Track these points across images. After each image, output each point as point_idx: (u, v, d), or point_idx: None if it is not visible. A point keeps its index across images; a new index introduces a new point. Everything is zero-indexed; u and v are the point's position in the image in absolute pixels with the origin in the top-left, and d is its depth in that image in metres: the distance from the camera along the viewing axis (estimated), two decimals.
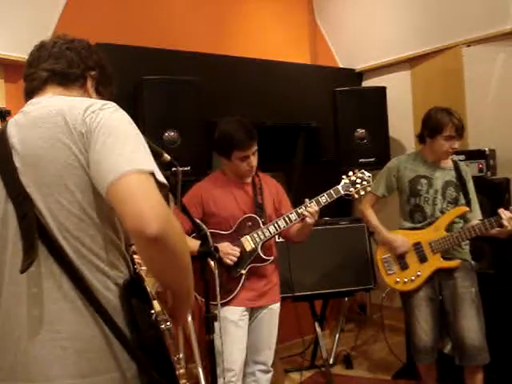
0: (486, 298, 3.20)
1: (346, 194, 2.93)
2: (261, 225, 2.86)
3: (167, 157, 1.56)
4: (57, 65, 1.50)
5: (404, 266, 3.23)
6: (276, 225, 2.85)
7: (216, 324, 1.95)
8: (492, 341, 3.10)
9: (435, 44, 4.36)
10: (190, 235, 2.68)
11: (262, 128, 3.89)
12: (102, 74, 1.60)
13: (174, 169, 1.51)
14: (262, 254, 2.85)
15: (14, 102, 3.10)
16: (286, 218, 2.85)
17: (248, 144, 2.78)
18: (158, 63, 3.70)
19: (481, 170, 3.69)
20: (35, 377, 1.31)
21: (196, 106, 3.55)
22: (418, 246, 3.20)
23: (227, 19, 4.57)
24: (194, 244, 2.04)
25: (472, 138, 4.04)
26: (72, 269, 1.32)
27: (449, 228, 3.15)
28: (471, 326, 3.06)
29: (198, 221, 1.97)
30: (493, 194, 3.56)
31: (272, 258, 2.90)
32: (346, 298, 4.57)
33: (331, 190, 2.90)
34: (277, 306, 2.99)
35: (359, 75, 5.08)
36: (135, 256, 1.48)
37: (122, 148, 1.28)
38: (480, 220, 3.14)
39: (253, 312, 2.93)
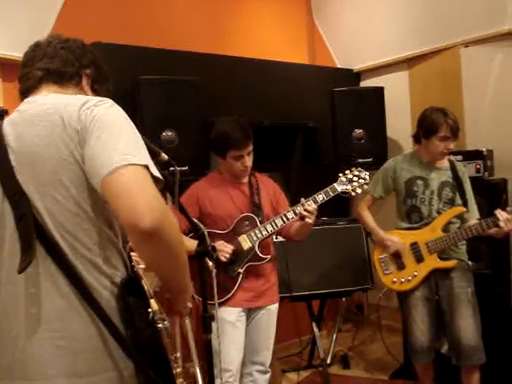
0: (482, 298, 3.20)
1: (342, 192, 2.91)
2: (258, 224, 2.86)
3: (165, 156, 1.56)
4: (51, 64, 1.50)
5: (401, 266, 3.23)
6: (273, 223, 2.84)
7: (213, 324, 1.95)
8: (488, 341, 3.11)
9: (433, 44, 4.37)
10: (187, 235, 2.68)
11: (260, 128, 3.90)
12: (98, 72, 1.60)
13: (171, 168, 1.51)
14: (259, 253, 2.85)
15: (11, 102, 3.10)
16: (283, 217, 2.84)
17: (243, 143, 2.79)
18: (156, 63, 3.70)
19: (478, 171, 3.69)
20: (33, 375, 1.31)
21: (194, 106, 3.55)
22: (414, 246, 3.20)
23: (226, 19, 4.57)
24: (191, 244, 2.04)
25: (470, 138, 4.05)
26: (69, 268, 1.32)
27: (445, 228, 3.15)
28: (467, 325, 3.06)
29: (196, 220, 1.97)
30: (490, 194, 3.56)
31: (269, 256, 2.90)
32: (344, 298, 4.58)
33: (328, 188, 2.89)
34: (275, 307, 2.99)
35: (357, 75, 5.08)
36: (132, 254, 1.48)
37: (117, 143, 1.29)
38: (477, 220, 3.14)
39: (250, 312, 2.93)
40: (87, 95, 1.53)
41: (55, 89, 1.50)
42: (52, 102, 1.39)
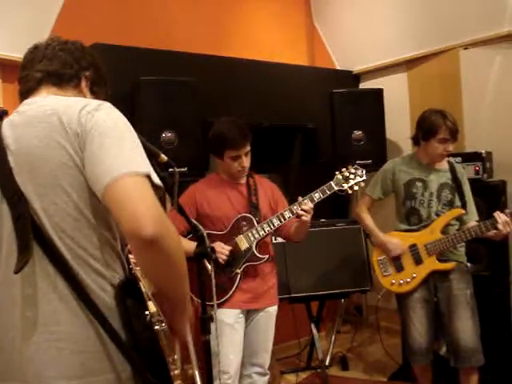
0: (481, 299, 3.20)
1: (339, 190, 2.90)
2: (255, 224, 2.86)
3: (164, 157, 1.56)
4: (50, 66, 1.51)
5: (399, 268, 3.24)
6: (270, 223, 2.84)
7: (212, 325, 1.95)
8: (487, 342, 3.11)
9: (432, 46, 4.37)
10: (185, 236, 2.69)
11: (259, 129, 3.90)
12: (97, 74, 1.60)
13: (170, 170, 1.51)
14: (256, 253, 2.85)
15: (11, 103, 3.10)
16: (280, 216, 2.84)
17: (240, 143, 2.79)
18: (155, 64, 3.70)
19: (477, 173, 3.70)
20: (31, 377, 1.31)
21: (194, 107, 3.55)
22: (413, 248, 3.20)
23: (225, 20, 4.57)
24: (190, 245, 2.04)
25: (469, 140, 4.06)
26: (67, 269, 1.32)
27: (444, 230, 3.15)
28: (466, 327, 3.07)
29: (195, 221, 1.97)
30: (489, 196, 3.57)
31: (267, 256, 2.89)
32: (343, 300, 4.58)
33: (324, 186, 2.88)
34: (274, 309, 2.98)
35: (356, 77, 5.09)
36: (130, 256, 1.48)
37: (118, 150, 1.29)
38: (476, 222, 3.15)
39: (249, 314, 2.92)
40: (86, 97, 1.53)
41: (54, 91, 1.50)
42: (51, 104, 1.39)
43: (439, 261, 3.16)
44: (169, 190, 1.49)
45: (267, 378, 3.01)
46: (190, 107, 3.54)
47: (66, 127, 1.33)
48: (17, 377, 1.32)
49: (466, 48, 4.16)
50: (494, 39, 3.97)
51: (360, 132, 4.30)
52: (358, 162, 4.13)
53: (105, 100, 1.44)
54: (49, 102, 1.41)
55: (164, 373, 1.38)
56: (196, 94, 3.57)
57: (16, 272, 1.28)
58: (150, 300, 1.39)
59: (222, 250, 2.77)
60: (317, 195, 2.85)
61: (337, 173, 2.94)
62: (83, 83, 1.56)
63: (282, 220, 2.84)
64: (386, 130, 4.41)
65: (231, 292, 2.82)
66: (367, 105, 4.34)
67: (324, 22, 5.23)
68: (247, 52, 4.45)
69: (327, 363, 4.21)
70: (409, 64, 4.65)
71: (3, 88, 3.35)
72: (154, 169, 1.34)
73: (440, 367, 3.35)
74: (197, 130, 3.55)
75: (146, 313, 1.36)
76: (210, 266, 2.04)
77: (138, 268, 1.50)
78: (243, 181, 2.97)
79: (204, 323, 1.90)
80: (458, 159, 3.61)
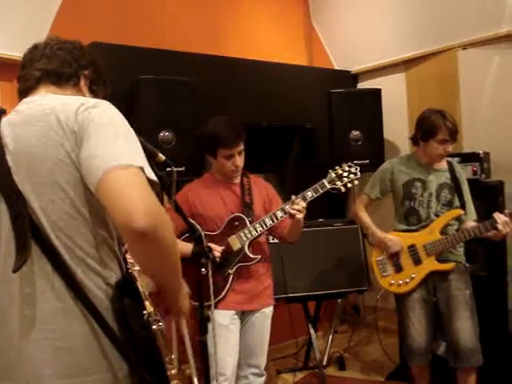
0: (478, 299, 3.20)
1: (332, 188, 2.85)
2: (248, 224, 2.82)
3: (162, 157, 1.56)
4: (49, 64, 1.51)
5: (398, 268, 3.23)
6: (263, 223, 2.80)
7: (208, 325, 1.95)
8: (484, 342, 3.11)
9: (431, 47, 4.37)
10: (179, 237, 2.66)
11: (258, 129, 3.90)
12: (96, 74, 1.61)
13: (168, 169, 1.51)
14: (249, 253, 2.82)
15: (9, 101, 3.10)
16: (273, 216, 2.80)
17: (233, 142, 2.76)
18: (154, 63, 3.70)
19: (475, 173, 3.70)
20: (30, 376, 1.31)
21: (192, 107, 3.54)
22: (412, 249, 3.20)
23: (223, 20, 4.57)
24: (185, 246, 2.04)
25: (466, 140, 4.06)
26: (65, 268, 1.32)
27: (443, 231, 3.15)
28: (465, 327, 3.07)
29: (192, 221, 1.97)
30: (487, 196, 3.57)
31: (259, 256, 2.84)
32: (340, 300, 4.58)
33: (317, 185, 2.84)
34: (269, 310, 2.96)
35: (354, 77, 5.09)
36: (128, 256, 1.48)
37: (113, 145, 1.29)
38: (475, 221, 3.15)
39: (244, 315, 2.90)
40: (85, 96, 1.54)
41: (53, 89, 1.50)
42: (49, 103, 1.39)
43: (438, 261, 3.16)
44: (166, 190, 1.49)
45: (263, 378, 3.00)
46: (188, 107, 3.53)
47: (64, 125, 1.33)
48: (16, 376, 1.32)
49: (464, 48, 4.16)
50: (492, 39, 3.97)
51: (358, 132, 4.30)
52: (355, 161, 4.15)
53: (104, 99, 1.44)
54: (47, 101, 1.41)
55: (161, 372, 1.38)
56: (194, 93, 3.57)
57: (14, 271, 1.28)
58: (147, 300, 1.38)
59: (214, 251, 2.76)
60: (309, 194, 2.81)
61: (330, 171, 2.89)
62: (82, 82, 1.57)
63: (275, 220, 2.80)
64: (383, 130, 4.41)
65: (224, 293, 2.79)
66: (365, 105, 4.35)
67: (322, 22, 5.23)
68: (245, 52, 4.45)
69: (324, 363, 4.21)
70: (407, 64, 4.65)
71: (1, 87, 3.34)
72: (152, 168, 1.34)
73: (437, 367, 3.35)
74: (195, 129, 3.55)
75: (144, 312, 1.36)
76: (207, 267, 2.04)
77: (135, 268, 1.50)
78: (237, 180, 2.95)
79: (201, 323, 1.90)
80: (456, 159, 3.61)
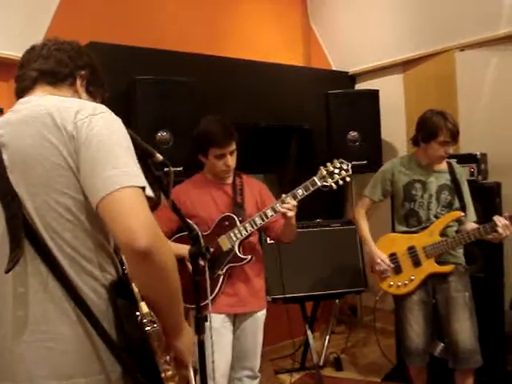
0: (475, 300, 3.20)
1: (323, 186, 2.79)
2: (238, 224, 2.78)
3: (159, 157, 1.55)
4: (45, 65, 1.51)
5: (398, 270, 3.23)
6: (252, 222, 2.76)
7: (206, 325, 1.95)
8: (482, 344, 3.11)
9: (428, 48, 4.38)
10: (169, 238, 2.64)
11: (256, 129, 3.90)
12: (93, 75, 1.60)
13: (166, 169, 1.51)
14: (239, 253, 2.78)
15: (5, 101, 3.09)
16: (263, 215, 2.76)
17: (225, 141, 2.74)
18: (151, 63, 3.69)
19: (472, 174, 3.70)
20: (21, 376, 1.30)
21: (189, 107, 3.54)
22: (412, 251, 3.19)
23: (221, 20, 4.57)
24: (179, 247, 2.03)
25: (463, 142, 4.04)
26: (58, 269, 1.31)
27: (443, 232, 3.14)
28: (464, 328, 3.06)
29: (190, 221, 1.97)
30: (484, 198, 3.56)
31: (250, 256, 2.79)
32: (337, 300, 4.58)
33: (307, 182, 2.79)
34: (262, 313, 2.93)
35: (352, 78, 5.10)
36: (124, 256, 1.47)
37: (114, 162, 1.29)
38: (474, 222, 3.14)
39: (237, 318, 2.88)
40: (82, 97, 1.54)
41: (49, 90, 1.50)
42: (46, 104, 1.39)
43: (438, 263, 3.15)
44: (164, 190, 1.50)
45: (258, 380, 2.99)
46: (186, 107, 3.53)
47: (61, 128, 1.32)
48: (8, 376, 1.32)
49: (462, 50, 4.16)
50: (490, 41, 3.97)
51: (355, 133, 4.31)
52: (353, 162, 4.15)
53: (101, 101, 1.44)
54: (44, 102, 1.41)
55: (154, 374, 1.37)
56: (191, 93, 3.57)
57: (6, 271, 1.28)
58: (142, 301, 1.38)
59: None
60: (300, 192, 2.76)
61: (321, 167, 2.83)
62: (78, 82, 1.56)
63: (265, 218, 2.75)
64: (381, 130, 4.41)
65: (214, 294, 2.74)
66: (363, 106, 4.35)
67: (320, 22, 5.23)
68: (243, 52, 4.45)
69: (321, 364, 4.22)
70: (405, 65, 4.66)
71: None
72: (149, 168, 1.34)
73: (435, 369, 3.35)
74: (192, 129, 3.53)
75: (138, 313, 1.36)
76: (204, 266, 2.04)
77: None
78: (229, 181, 2.92)
79: (198, 323, 1.90)
80: (454, 160, 3.61)
